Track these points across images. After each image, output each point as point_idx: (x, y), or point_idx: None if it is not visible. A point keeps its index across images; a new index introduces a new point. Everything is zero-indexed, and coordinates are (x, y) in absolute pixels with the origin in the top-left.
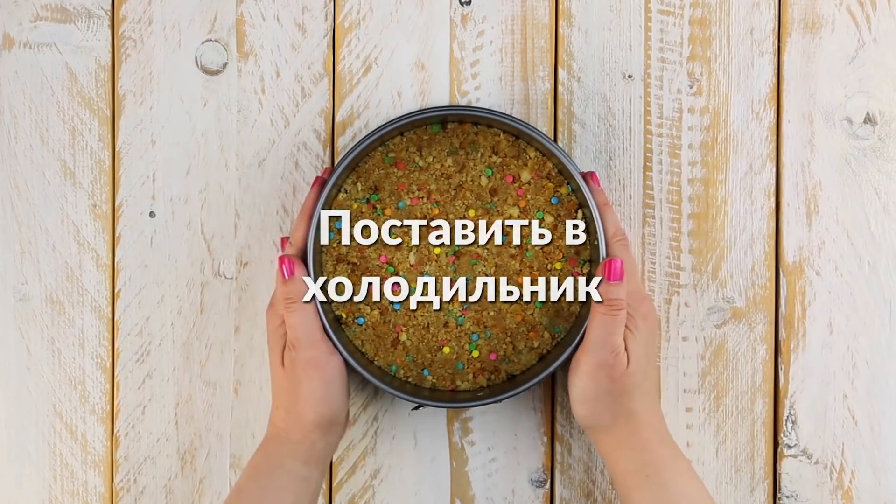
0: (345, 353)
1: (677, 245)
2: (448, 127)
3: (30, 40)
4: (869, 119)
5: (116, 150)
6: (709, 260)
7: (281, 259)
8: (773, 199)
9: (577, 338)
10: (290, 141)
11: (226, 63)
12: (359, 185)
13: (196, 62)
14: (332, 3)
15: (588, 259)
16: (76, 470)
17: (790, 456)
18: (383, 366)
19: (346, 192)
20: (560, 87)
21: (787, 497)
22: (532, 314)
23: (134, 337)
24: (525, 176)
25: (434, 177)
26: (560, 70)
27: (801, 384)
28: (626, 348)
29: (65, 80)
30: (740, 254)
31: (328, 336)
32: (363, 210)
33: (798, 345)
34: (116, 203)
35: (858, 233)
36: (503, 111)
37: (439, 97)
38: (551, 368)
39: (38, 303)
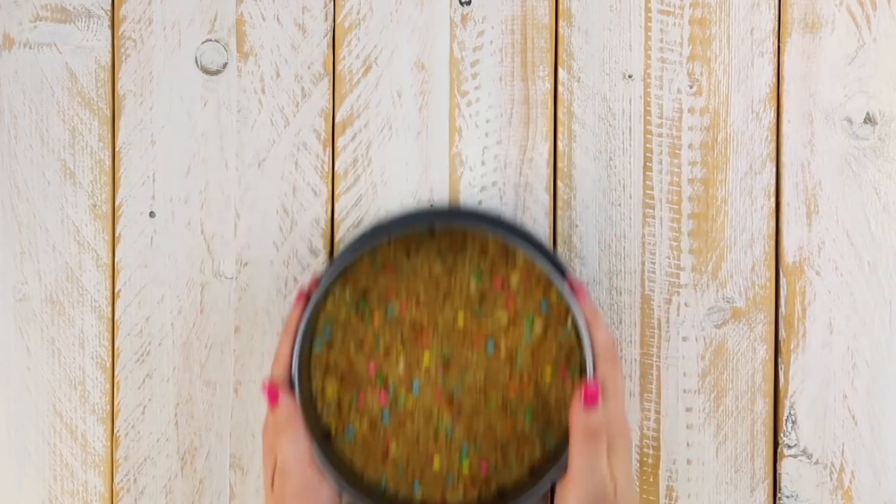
0: (332, 474)
1: (677, 245)
2: (436, 229)
3: (30, 40)
4: (869, 119)
5: (116, 150)
6: (709, 260)
7: (263, 387)
8: (773, 199)
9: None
10: (290, 141)
11: (226, 63)
12: (347, 290)
13: (196, 62)
14: (332, 3)
15: (579, 367)
16: (76, 470)
17: (790, 456)
18: (373, 480)
19: (334, 295)
20: (560, 87)
21: (787, 497)
22: (523, 426)
23: (134, 337)
24: (514, 280)
25: (423, 281)
26: (560, 70)
27: (801, 384)
28: (611, 473)
29: (65, 80)
30: (740, 254)
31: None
32: (352, 319)
33: (798, 345)
34: (116, 203)
35: (858, 233)
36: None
37: (439, 97)
38: (543, 485)
39: (38, 303)
